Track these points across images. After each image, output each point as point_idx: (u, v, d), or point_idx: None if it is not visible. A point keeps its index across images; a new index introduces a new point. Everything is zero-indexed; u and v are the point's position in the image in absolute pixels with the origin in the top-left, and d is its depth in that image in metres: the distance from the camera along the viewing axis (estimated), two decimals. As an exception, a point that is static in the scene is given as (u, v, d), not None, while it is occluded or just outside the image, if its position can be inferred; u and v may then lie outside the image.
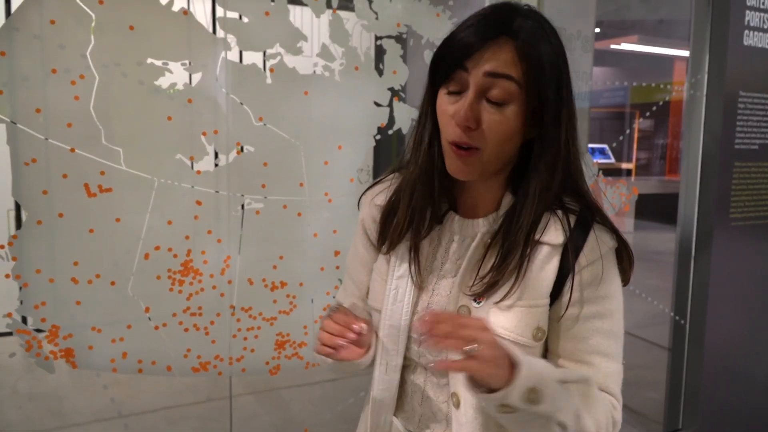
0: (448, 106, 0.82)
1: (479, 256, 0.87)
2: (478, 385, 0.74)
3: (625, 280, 0.90)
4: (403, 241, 0.93)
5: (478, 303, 0.86)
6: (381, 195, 0.98)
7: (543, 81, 0.80)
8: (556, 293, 0.85)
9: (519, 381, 0.72)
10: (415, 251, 0.92)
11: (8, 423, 2.42)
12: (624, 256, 0.88)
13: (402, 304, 0.92)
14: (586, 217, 0.86)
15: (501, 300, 0.84)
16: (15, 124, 1.52)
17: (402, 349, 0.93)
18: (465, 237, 0.91)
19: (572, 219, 0.85)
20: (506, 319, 0.84)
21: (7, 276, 1.56)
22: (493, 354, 0.72)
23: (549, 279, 0.85)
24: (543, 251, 0.85)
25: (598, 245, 0.85)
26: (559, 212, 0.86)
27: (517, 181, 0.87)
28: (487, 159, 0.82)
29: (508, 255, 0.84)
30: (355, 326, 0.87)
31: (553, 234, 0.85)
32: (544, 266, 0.85)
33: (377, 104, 1.90)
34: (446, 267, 0.92)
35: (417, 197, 0.90)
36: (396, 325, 0.92)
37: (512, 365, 0.73)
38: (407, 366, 0.96)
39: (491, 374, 0.72)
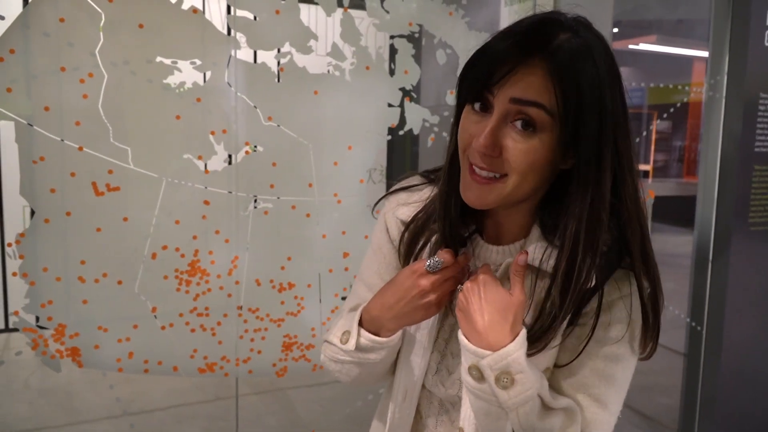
0: (470, 124, 0.75)
1: None
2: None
3: (648, 350, 0.80)
4: None
5: None
6: (405, 208, 0.91)
7: (580, 109, 0.69)
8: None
9: (502, 352, 0.72)
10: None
11: (18, 418, 2.43)
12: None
13: (425, 332, 0.87)
14: (614, 257, 0.77)
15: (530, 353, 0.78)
16: (31, 126, 1.52)
17: (421, 377, 0.88)
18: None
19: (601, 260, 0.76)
20: None
21: (14, 274, 1.55)
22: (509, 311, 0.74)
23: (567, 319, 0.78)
24: None
25: (618, 287, 0.77)
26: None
27: (548, 209, 0.79)
28: (510, 190, 0.74)
29: (547, 332, 0.76)
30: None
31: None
32: None
33: (388, 104, 1.88)
34: None
35: (438, 219, 0.83)
36: (418, 352, 0.88)
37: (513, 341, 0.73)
38: (423, 394, 0.92)
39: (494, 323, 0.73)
